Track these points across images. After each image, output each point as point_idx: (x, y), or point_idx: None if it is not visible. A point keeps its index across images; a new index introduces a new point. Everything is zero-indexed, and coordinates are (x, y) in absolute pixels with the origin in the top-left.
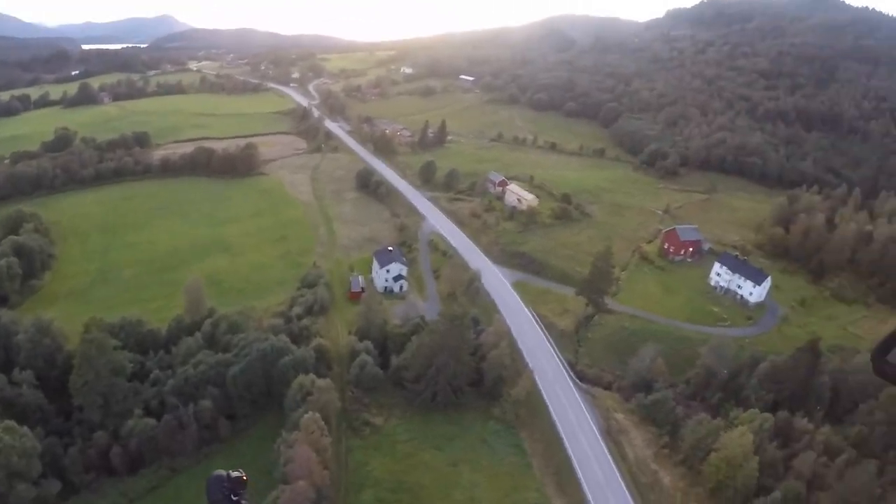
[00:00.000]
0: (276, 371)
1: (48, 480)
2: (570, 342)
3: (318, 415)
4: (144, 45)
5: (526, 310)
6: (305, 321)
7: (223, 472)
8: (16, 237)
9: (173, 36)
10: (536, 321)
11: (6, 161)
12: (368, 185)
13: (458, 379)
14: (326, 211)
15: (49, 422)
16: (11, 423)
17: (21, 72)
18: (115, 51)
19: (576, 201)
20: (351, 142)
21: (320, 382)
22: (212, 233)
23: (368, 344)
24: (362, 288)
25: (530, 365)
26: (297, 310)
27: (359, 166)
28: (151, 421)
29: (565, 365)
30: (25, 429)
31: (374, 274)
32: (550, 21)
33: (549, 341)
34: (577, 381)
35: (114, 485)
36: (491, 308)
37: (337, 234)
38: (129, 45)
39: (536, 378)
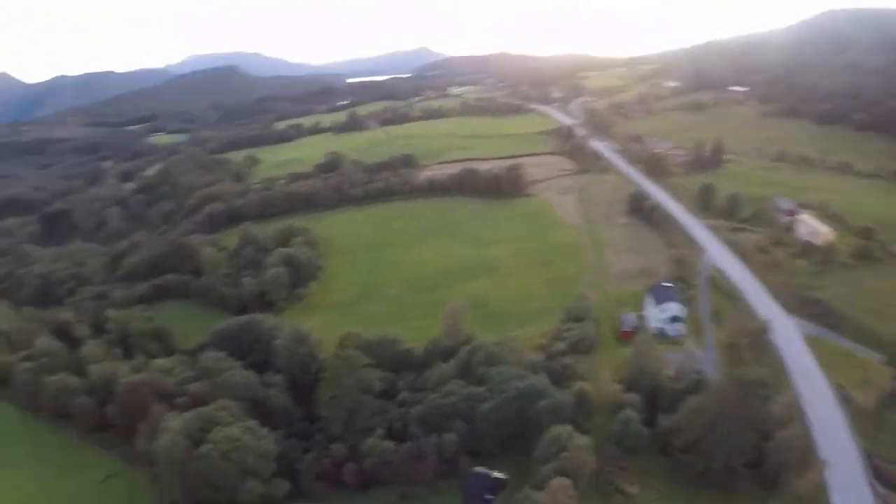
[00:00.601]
0: (532, 414)
1: (278, 480)
2: (870, 424)
3: (568, 481)
4: (406, 76)
5: (819, 375)
6: (568, 359)
7: (484, 470)
8: (286, 249)
9: (431, 65)
10: (831, 391)
11: (283, 181)
12: (641, 209)
13: (736, 456)
14: (596, 236)
15: (292, 425)
16: (253, 423)
17: (293, 105)
18: (379, 82)
19: (880, 237)
20: (619, 162)
21: (578, 440)
22: (477, 254)
23: (635, 396)
24: (634, 327)
25: (820, 451)
26: (560, 345)
27: (629, 188)
28: (391, 445)
29: (862, 455)
30: (265, 431)
31: (646, 312)
32: (823, 18)
33: (843, 419)
34: (875, 480)
35: (342, 499)
36: (779, 369)
37: (607, 263)
38: (392, 77)
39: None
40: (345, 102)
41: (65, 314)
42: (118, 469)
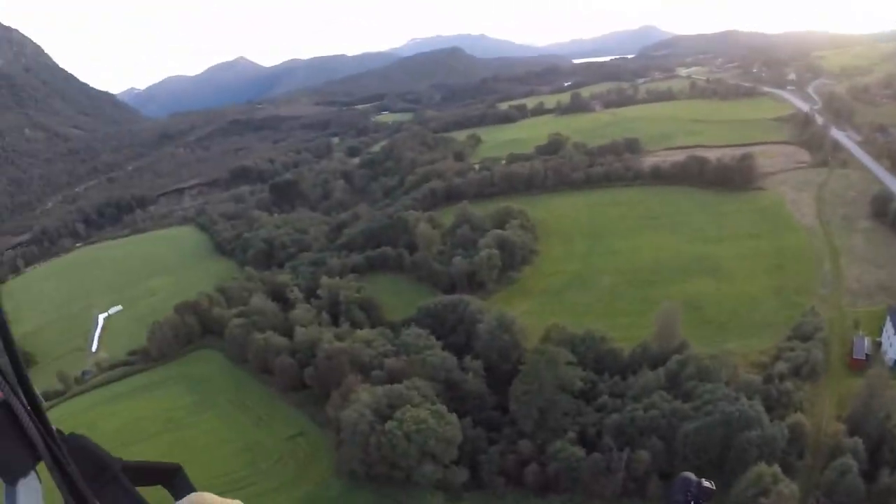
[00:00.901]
0: (737, 443)
1: (459, 468)
2: None
3: None
4: (631, 56)
5: None
6: (788, 384)
7: (693, 476)
8: (501, 231)
9: (658, 45)
10: None
11: (503, 162)
12: (886, 212)
13: None
14: (833, 241)
15: (483, 412)
16: (441, 408)
17: (517, 85)
18: (603, 62)
19: None
20: (862, 155)
21: (783, 487)
22: (700, 250)
23: (858, 442)
24: (867, 355)
25: None
26: (781, 366)
27: (873, 187)
28: (580, 451)
29: None
30: (453, 416)
31: (884, 338)
32: None
33: None
34: None
35: (519, 498)
36: None
37: (843, 274)
38: (616, 57)
39: None
40: (568, 83)
41: (282, 277)
42: (305, 429)
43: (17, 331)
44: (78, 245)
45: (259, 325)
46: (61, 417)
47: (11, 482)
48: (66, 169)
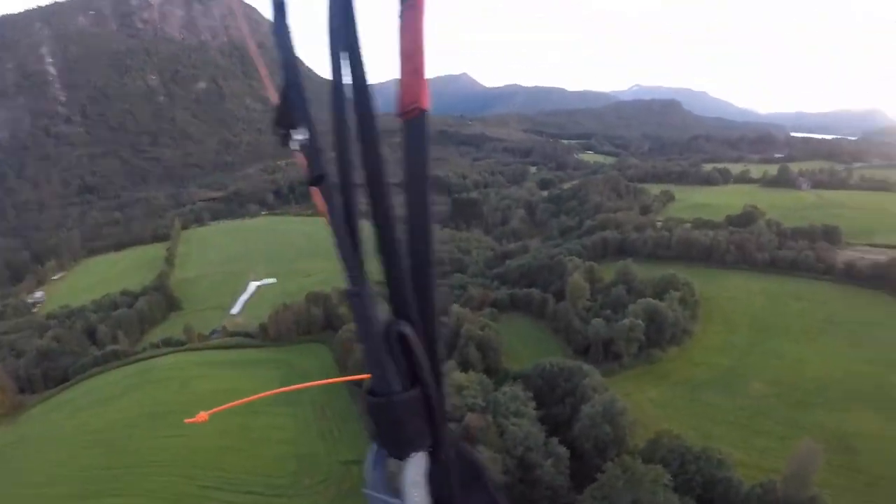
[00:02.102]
0: None
1: None
2: None
3: None
4: (853, 138)
5: None
6: None
7: None
8: (655, 301)
9: (883, 130)
10: None
11: (687, 225)
12: None
13: None
14: None
15: None
16: None
17: (727, 149)
18: (822, 139)
19: None
20: None
21: None
22: (879, 375)
23: None
24: None
25: None
26: None
27: None
28: None
29: None
30: None
31: None
32: None
33: None
34: None
35: None
36: None
37: None
38: (837, 137)
39: None
40: (780, 155)
41: None
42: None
43: (179, 276)
44: (263, 213)
45: None
46: (167, 366)
47: (402, 457)
48: (272, 141)
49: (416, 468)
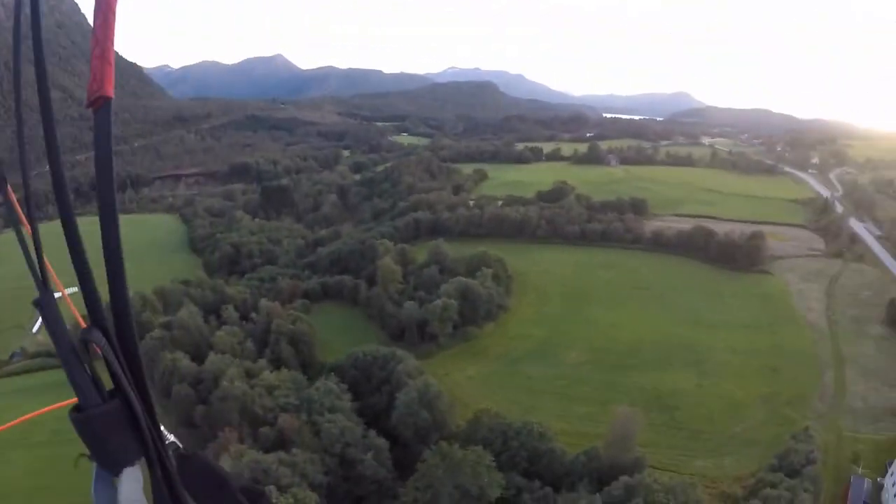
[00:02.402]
0: None
1: None
2: None
3: None
4: (660, 119)
5: None
6: None
7: None
8: (467, 279)
9: (688, 112)
10: None
11: (499, 203)
12: None
13: None
14: (839, 346)
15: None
16: (309, 496)
17: (541, 128)
18: (631, 120)
19: None
20: (881, 251)
21: None
22: (688, 335)
23: None
24: (865, 501)
25: None
26: None
27: (891, 288)
28: None
29: None
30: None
31: (888, 479)
32: None
33: None
34: None
35: None
36: None
37: (847, 388)
38: (646, 118)
39: None
40: (591, 134)
41: (232, 289)
42: None
43: None
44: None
45: (178, 342)
46: None
47: (115, 473)
48: (70, 133)
49: (130, 484)
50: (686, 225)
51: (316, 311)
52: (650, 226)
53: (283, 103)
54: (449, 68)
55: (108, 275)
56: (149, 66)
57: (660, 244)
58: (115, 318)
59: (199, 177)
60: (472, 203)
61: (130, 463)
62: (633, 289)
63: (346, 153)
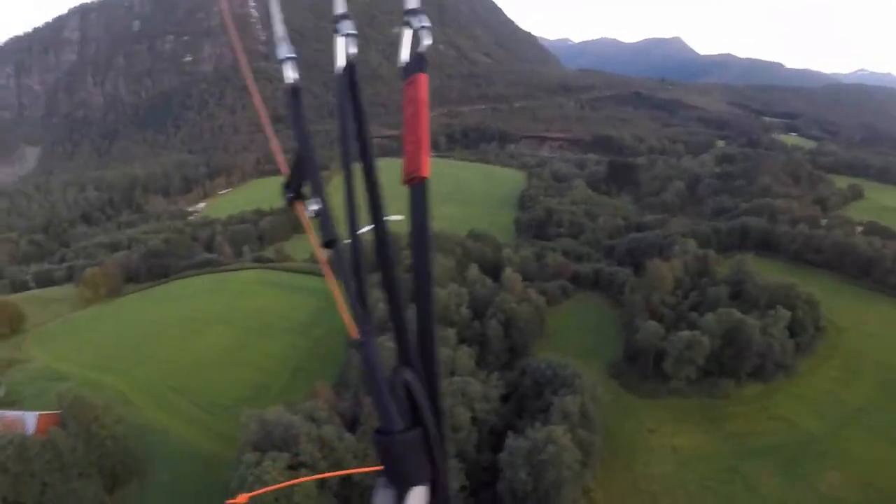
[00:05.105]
0: None
1: None
2: None
3: None
4: None
5: None
6: None
7: None
8: (744, 316)
9: None
10: None
11: (859, 229)
12: None
13: None
14: None
15: None
16: None
17: None
18: None
19: None
20: None
21: None
22: None
23: None
24: None
25: None
26: None
27: None
28: None
29: None
30: None
31: None
32: None
33: None
34: None
35: None
36: None
37: None
38: None
39: None
40: None
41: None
42: None
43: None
44: (431, 155)
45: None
46: (238, 279)
47: (403, 490)
48: (458, 87)
49: (415, 501)
50: None
51: (578, 299)
52: None
53: (670, 84)
54: (859, 70)
55: (418, 323)
56: (550, 37)
57: None
58: (423, 359)
59: (564, 142)
60: (824, 222)
61: (419, 483)
62: None
63: (720, 143)
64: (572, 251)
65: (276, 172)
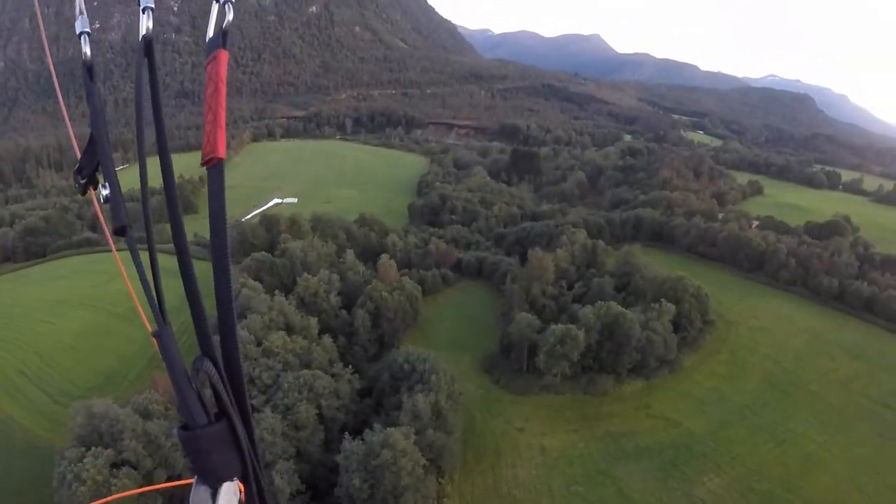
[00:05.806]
0: None
1: None
2: None
3: None
4: None
5: None
6: None
7: None
8: (624, 309)
9: None
10: None
11: (754, 224)
12: None
13: None
14: None
15: None
16: None
17: (849, 155)
18: None
19: None
20: None
21: None
22: None
23: None
24: None
25: None
26: None
27: None
28: None
29: None
30: None
31: None
32: None
33: None
34: None
35: None
36: None
37: None
38: None
39: None
40: None
41: (392, 237)
42: None
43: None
44: (336, 137)
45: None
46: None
47: (214, 486)
48: (371, 71)
49: (228, 497)
50: None
51: (460, 288)
52: None
53: (584, 79)
54: (769, 75)
55: (218, 313)
56: (471, 27)
57: None
58: (224, 350)
59: (471, 129)
60: (721, 216)
61: (229, 478)
62: (880, 405)
63: (627, 137)
64: (462, 238)
65: (179, 149)
